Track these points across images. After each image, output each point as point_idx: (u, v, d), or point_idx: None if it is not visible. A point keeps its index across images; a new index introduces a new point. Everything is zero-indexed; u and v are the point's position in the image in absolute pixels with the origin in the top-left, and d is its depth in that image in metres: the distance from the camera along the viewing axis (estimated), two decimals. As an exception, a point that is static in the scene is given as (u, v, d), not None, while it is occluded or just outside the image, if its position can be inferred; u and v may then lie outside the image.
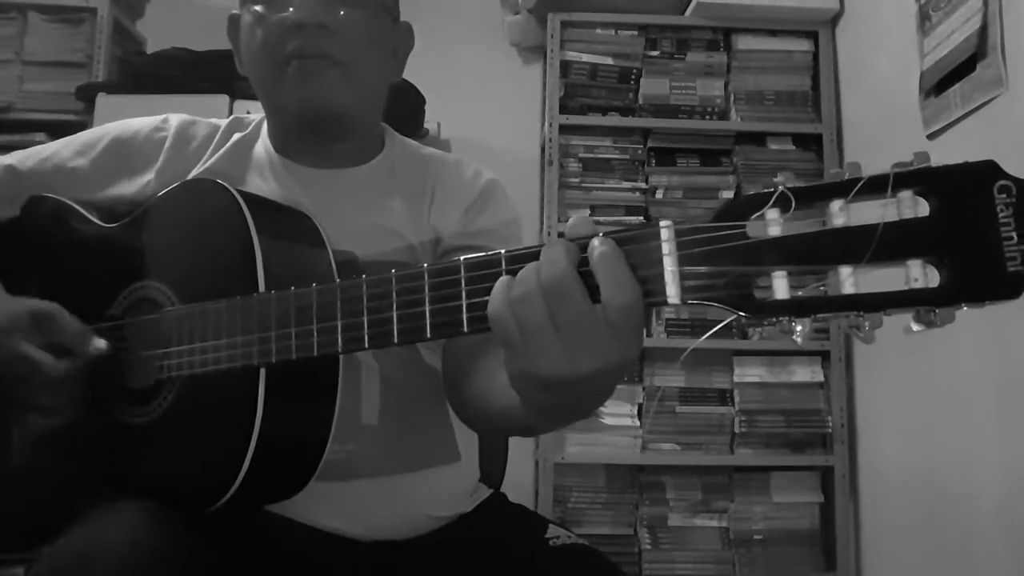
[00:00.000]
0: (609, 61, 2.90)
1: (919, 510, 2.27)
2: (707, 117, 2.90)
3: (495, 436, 1.20)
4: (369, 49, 1.15)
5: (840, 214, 0.60)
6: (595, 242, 0.68)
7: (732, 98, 2.90)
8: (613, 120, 2.89)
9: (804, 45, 2.92)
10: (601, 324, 0.67)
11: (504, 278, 0.71)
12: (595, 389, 0.72)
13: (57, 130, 2.23)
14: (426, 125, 2.79)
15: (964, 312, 0.59)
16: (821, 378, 2.74)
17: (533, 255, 0.71)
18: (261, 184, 1.16)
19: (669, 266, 0.66)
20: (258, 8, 1.11)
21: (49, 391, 1.00)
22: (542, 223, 2.84)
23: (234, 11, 1.20)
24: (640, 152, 2.90)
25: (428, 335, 0.78)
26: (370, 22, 1.14)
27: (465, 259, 0.77)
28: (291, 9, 1.09)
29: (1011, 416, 1.90)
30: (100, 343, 1.00)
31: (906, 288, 0.59)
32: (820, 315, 0.61)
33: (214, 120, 1.25)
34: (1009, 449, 1.90)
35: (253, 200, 0.99)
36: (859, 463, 2.66)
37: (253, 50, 1.13)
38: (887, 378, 2.52)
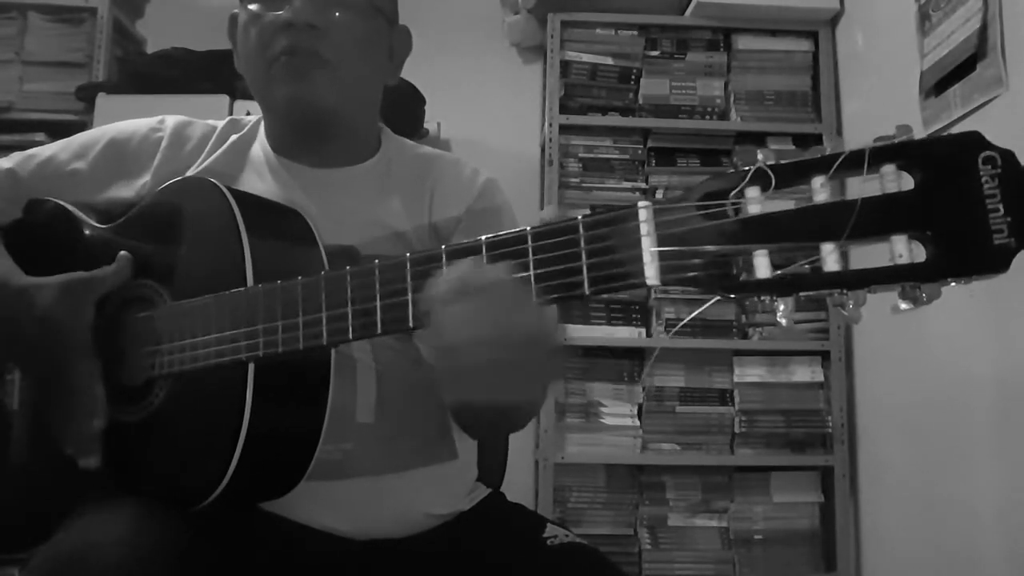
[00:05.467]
0: (609, 61, 2.90)
1: (919, 510, 2.26)
2: (707, 117, 2.90)
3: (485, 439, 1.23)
4: (358, 49, 1.16)
5: (822, 190, 0.59)
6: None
7: (732, 98, 2.90)
8: (613, 120, 2.89)
9: (804, 45, 2.92)
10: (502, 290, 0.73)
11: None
12: (512, 358, 0.74)
13: (57, 130, 2.23)
14: (426, 125, 2.79)
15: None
16: (821, 378, 2.73)
17: (513, 239, 0.74)
18: (258, 183, 1.16)
19: (648, 247, 0.66)
20: (253, 7, 1.14)
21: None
22: (542, 223, 2.84)
23: (235, 10, 1.21)
24: (640, 152, 2.89)
25: (411, 324, 0.79)
26: (361, 23, 1.16)
27: (447, 247, 0.78)
28: (281, 10, 1.11)
29: (1011, 416, 1.89)
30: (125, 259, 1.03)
31: (890, 264, 0.58)
32: (803, 293, 0.60)
33: (210, 121, 1.26)
34: (1009, 449, 1.89)
35: (243, 198, 1.00)
36: (859, 463, 2.66)
37: (247, 48, 1.15)
38: (887, 378, 2.52)
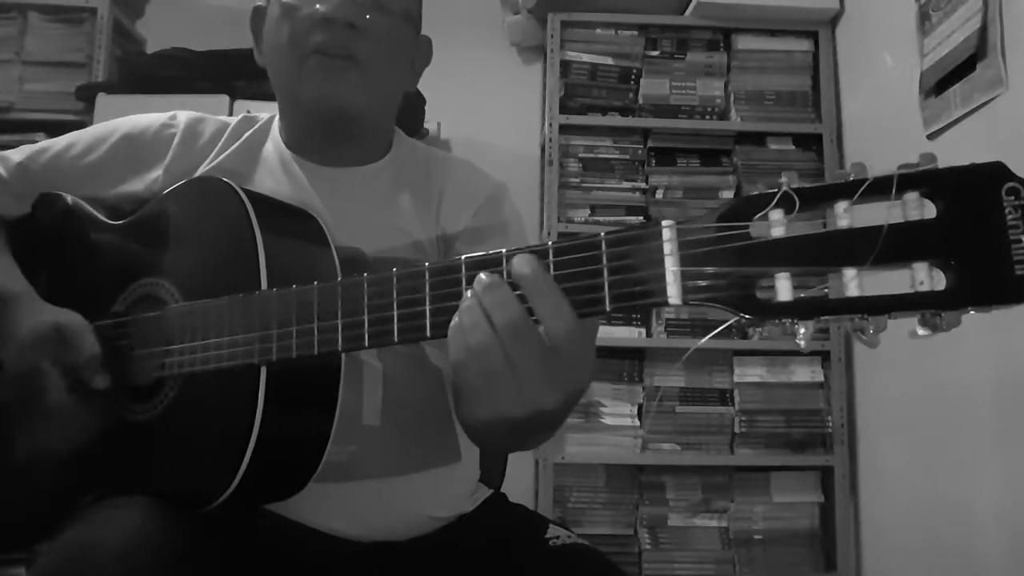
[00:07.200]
0: (609, 61, 2.90)
1: (919, 510, 2.27)
2: (707, 117, 2.90)
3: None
4: (390, 54, 1.16)
5: (844, 215, 0.59)
6: (518, 267, 0.72)
7: (732, 98, 2.90)
8: (613, 120, 2.89)
9: (804, 45, 2.92)
10: (554, 358, 0.71)
11: (454, 323, 0.74)
12: (554, 419, 0.78)
13: (57, 130, 2.20)
14: (426, 125, 2.78)
15: (968, 314, 0.58)
16: (821, 378, 2.74)
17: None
18: (270, 182, 1.16)
19: (671, 266, 0.66)
20: (288, 1, 1.12)
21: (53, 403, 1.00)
22: (542, 223, 2.84)
23: (259, 2, 1.21)
24: (640, 152, 2.89)
25: (428, 334, 0.78)
26: (395, 28, 1.16)
27: (466, 257, 0.77)
28: (319, 6, 1.10)
29: (1011, 416, 1.89)
30: (102, 381, 1.00)
31: (912, 291, 0.58)
32: (823, 317, 0.60)
33: (223, 117, 1.26)
34: (1008, 450, 1.90)
35: (258, 199, 0.99)
36: (859, 463, 2.66)
37: (278, 42, 1.14)
38: (887, 378, 2.52)
